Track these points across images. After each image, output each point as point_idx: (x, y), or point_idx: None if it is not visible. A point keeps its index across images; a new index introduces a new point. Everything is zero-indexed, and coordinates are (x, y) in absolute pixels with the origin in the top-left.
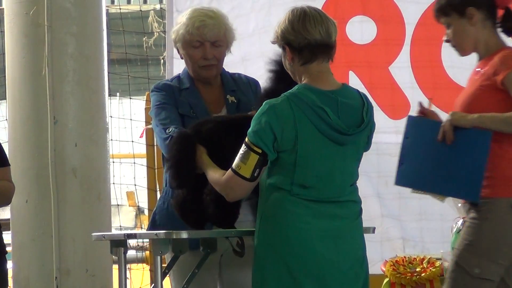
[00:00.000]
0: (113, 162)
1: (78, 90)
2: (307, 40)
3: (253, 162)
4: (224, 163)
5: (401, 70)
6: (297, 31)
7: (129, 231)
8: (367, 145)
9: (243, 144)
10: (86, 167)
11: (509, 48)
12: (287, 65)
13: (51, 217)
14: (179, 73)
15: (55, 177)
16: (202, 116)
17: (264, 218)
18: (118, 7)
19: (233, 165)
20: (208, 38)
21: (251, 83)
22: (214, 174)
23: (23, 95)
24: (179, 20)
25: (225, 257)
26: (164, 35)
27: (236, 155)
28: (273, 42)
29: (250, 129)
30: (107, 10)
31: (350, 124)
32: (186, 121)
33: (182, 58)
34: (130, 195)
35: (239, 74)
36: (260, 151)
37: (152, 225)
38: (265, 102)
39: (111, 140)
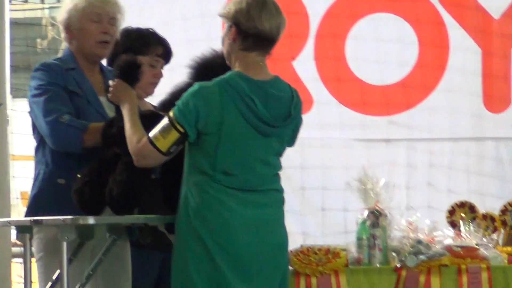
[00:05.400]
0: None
1: None
2: (257, 29)
3: (172, 139)
4: None
5: (305, 64)
6: (251, 17)
7: (35, 217)
8: (291, 141)
9: (166, 118)
10: None
11: None
12: (225, 42)
13: None
14: (59, 56)
15: None
16: (90, 96)
17: (186, 201)
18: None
19: (151, 134)
20: (108, 12)
21: None
22: (133, 134)
23: None
24: (68, 2)
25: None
26: (59, 38)
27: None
28: (221, 15)
29: (176, 106)
30: None
31: (277, 116)
32: (74, 99)
33: (69, 39)
34: (24, 194)
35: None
36: (182, 130)
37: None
38: (196, 83)
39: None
